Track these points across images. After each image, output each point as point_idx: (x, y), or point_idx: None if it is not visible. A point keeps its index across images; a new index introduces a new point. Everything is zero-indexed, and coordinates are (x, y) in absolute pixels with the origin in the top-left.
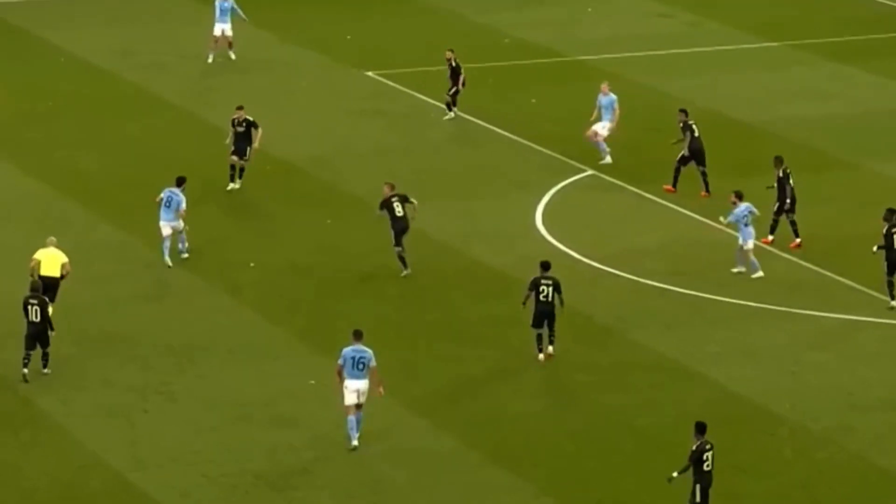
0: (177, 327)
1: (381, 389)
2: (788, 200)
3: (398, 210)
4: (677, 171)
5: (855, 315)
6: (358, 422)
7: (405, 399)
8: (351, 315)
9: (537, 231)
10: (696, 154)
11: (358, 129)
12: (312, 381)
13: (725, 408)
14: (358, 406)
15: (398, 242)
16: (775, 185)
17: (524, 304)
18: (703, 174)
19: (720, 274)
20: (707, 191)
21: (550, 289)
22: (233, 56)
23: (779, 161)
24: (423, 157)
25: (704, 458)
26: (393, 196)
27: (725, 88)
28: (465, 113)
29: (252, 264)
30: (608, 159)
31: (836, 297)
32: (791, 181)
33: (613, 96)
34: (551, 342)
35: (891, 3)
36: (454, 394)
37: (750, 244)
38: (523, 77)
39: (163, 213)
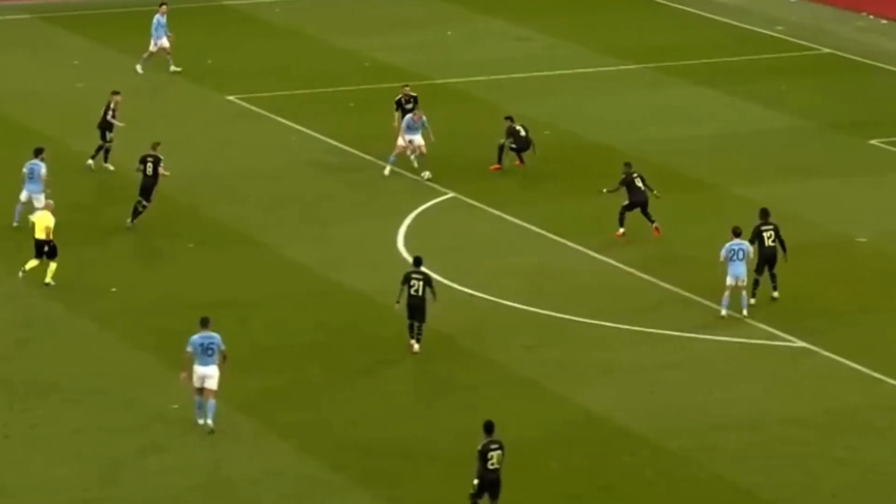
0: (41, 354)
1: (228, 375)
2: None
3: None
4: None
5: (714, 335)
6: (210, 408)
7: (273, 423)
8: None
9: (399, 254)
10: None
11: (221, 154)
12: (175, 406)
13: (586, 428)
14: (205, 391)
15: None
16: (618, 187)
17: (398, 301)
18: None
19: (580, 295)
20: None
21: (420, 283)
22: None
23: (627, 166)
24: (286, 181)
25: (489, 456)
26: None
27: (586, 111)
28: (327, 136)
29: (114, 289)
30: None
31: (695, 317)
32: (640, 184)
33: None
34: (418, 339)
35: (749, 27)
36: (321, 417)
37: (728, 280)
38: (385, 100)
39: (28, 185)
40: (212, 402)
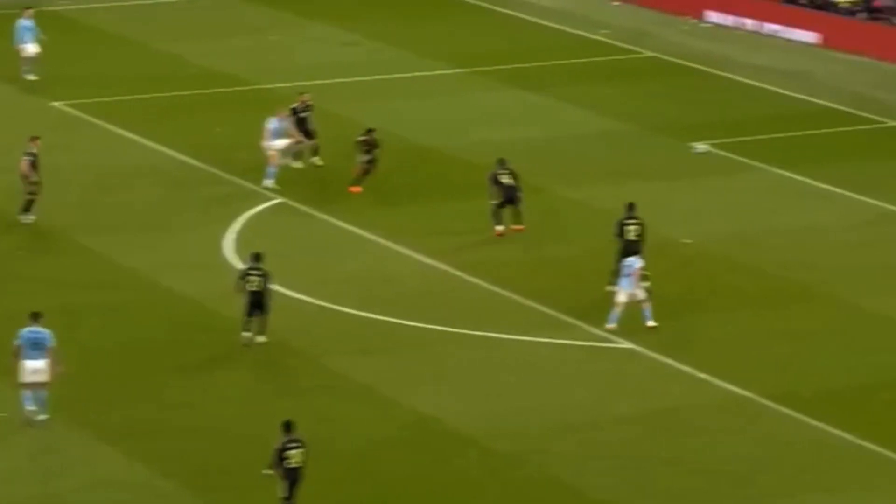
0: None
1: (60, 368)
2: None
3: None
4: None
5: (545, 338)
6: (39, 399)
7: (102, 431)
8: None
9: (227, 261)
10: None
11: (45, 161)
12: (5, 414)
13: (419, 432)
14: (36, 385)
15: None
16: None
17: (237, 290)
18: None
19: (412, 299)
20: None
21: (260, 279)
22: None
23: (500, 162)
24: (112, 188)
25: (286, 455)
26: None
27: (412, 115)
28: (154, 142)
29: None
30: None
31: (526, 320)
32: (508, 180)
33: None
34: (262, 331)
35: (573, 31)
36: (152, 424)
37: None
38: (210, 106)
39: None
40: (42, 393)
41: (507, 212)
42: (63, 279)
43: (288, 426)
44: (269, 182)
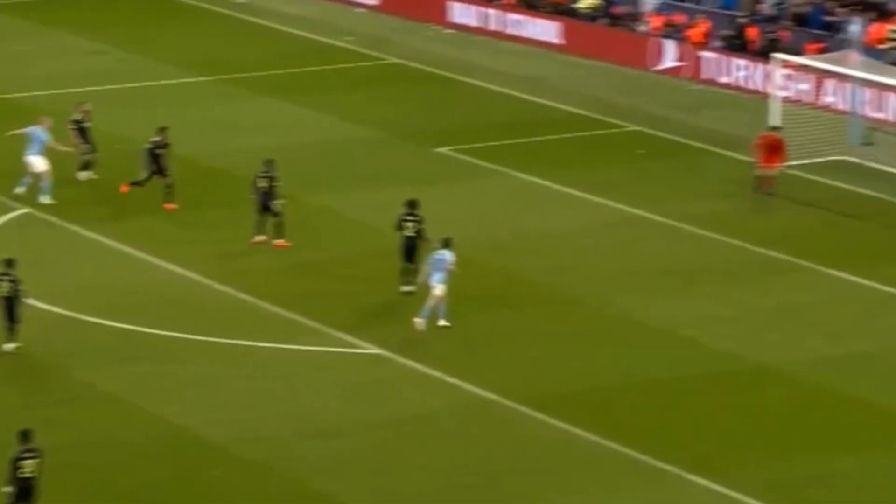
0: None
1: None
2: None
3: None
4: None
5: (296, 344)
6: None
7: None
8: None
9: None
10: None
11: None
12: None
13: (168, 441)
14: None
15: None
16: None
17: None
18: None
19: (159, 308)
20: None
21: (10, 285)
22: None
23: (266, 163)
24: None
25: (20, 465)
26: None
27: (160, 124)
28: None
29: None
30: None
31: (277, 328)
32: (264, 184)
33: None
34: (12, 339)
35: (319, 39)
36: None
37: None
38: None
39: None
40: None
41: (269, 223)
42: None
43: (25, 436)
44: (44, 198)
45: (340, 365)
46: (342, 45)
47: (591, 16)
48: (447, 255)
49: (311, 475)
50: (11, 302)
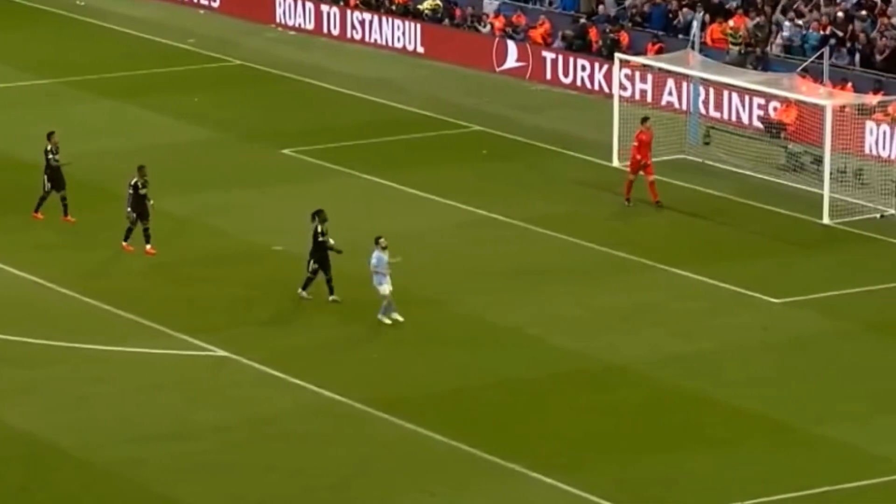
0: None
1: None
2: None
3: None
4: None
5: (135, 347)
6: None
7: None
8: None
9: None
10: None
11: None
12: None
13: (13, 446)
14: None
15: None
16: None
17: None
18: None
19: (1, 312)
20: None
21: None
22: None
23: (140, 171)
24: None
25: None
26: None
27: (2, 126)
28: None
29: None
30: None
31: (121, 330)
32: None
33: None
34: None
35: (162, 41)
36: None
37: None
38: None
39: None
40: None
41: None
42: None
43: None
44: None
45: (185, 367)
46: (185, 46)
47: (433, 17)
48: (384, 256)
49: (156, 478)
50: None
